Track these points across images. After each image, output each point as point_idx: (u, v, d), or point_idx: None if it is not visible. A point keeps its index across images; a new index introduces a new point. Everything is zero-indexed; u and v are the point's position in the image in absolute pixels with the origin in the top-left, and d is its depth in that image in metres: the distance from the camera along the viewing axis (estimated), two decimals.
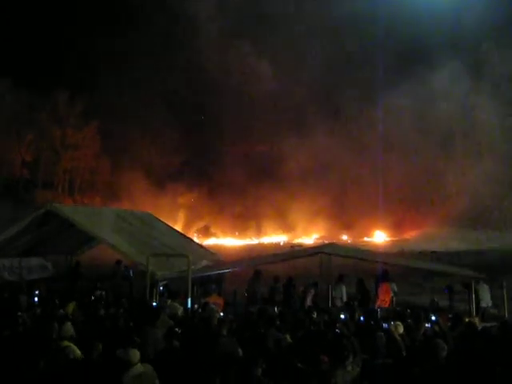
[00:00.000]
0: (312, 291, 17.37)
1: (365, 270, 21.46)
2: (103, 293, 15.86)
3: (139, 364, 7.65)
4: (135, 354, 7.70)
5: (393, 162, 57.08)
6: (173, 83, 64.29)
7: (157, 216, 24.36)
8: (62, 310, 10.69)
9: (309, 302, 16.93)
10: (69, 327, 8.82)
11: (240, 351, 8.92)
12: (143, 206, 45.26)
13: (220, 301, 15.01)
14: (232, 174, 63.72)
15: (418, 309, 15.11)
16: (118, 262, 19.30)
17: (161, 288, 15.86)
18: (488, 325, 11.05)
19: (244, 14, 64.66)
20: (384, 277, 17.52)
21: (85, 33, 61.30)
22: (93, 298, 14.87)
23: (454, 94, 57.21)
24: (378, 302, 16.76)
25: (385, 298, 17.18)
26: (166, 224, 23.62)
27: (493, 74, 52.87)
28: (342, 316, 12.97)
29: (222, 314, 12.06)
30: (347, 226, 61.90)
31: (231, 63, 65.05)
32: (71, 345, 8.19)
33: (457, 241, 46.44)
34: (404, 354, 8.25)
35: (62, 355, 7.76)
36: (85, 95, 62.44)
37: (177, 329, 9.30)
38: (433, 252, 41.19)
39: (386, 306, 16.71)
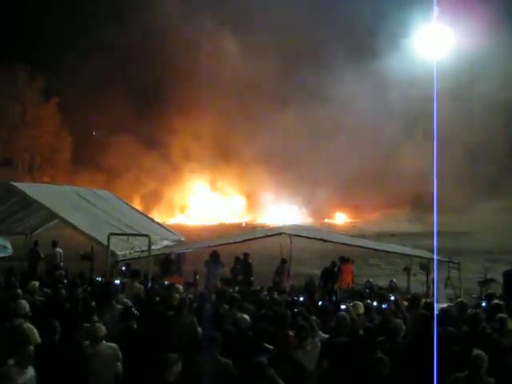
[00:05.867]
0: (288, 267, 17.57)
1: (324, 252, 21.70)
2: (63, 272, 15.64)
3: (104, 341, 7.54)
4: (101, 330, 7.58)
5: (354, 145, 57.36)
6: (133, 60, 63.26)
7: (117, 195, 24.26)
8: (19, 290, 10.48)
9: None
10: (24, 305, 8.66)
11: (200, 331, 8.94)
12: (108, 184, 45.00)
13: (179, 281, 14.99)
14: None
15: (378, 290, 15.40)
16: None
17: (123, 268, 15.78)
18: (444, 305, 11.26)
19: None
20: (344, 258, 17.73)
21: (44, 7, 59.69)
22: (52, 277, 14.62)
23: (415, 80, 57.84)
24: (340, 283, 16.96)
25: (346, 278, 17.41)
26: (126, 203, 23.46)
27: None
28: (302, 298, 13.09)
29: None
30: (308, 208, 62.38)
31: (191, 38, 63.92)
32: (26, 322, 8.06)
33: (414, 223, 47.28)
34: (362, 333, 8.32)
35: (16, 333, 7.62)
36: (46, 71, 61.09)
37: (134, 309, 9.19)
38: (391, 234, 41.91)
39: (348, 286, 16.93)
